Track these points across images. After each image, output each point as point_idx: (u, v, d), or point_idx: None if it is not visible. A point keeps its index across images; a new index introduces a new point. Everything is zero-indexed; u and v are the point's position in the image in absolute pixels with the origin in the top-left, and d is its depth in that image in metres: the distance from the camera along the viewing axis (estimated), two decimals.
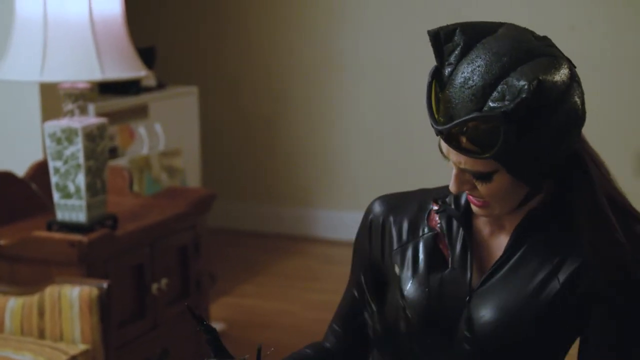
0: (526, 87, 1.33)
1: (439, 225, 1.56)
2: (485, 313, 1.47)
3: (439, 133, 1.39)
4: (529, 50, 1.39)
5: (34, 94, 3.34)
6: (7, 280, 2.74)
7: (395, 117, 4.97)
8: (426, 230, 1.57)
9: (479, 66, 1.37)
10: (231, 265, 4.70)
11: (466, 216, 1.54)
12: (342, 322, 1.67)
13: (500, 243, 1.53)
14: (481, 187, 1.43)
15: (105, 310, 2.57)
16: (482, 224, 1.54)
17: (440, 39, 1.42)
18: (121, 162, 3.72)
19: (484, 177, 1.41)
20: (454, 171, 1.44)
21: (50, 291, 2.59)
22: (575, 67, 1.44)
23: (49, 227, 2.78)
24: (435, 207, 1.57)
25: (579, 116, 1.42)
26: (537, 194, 1.47)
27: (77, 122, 2.73)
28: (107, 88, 3.95)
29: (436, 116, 1.40)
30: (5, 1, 3.24)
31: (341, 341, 1.67)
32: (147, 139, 3.94)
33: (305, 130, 5.20)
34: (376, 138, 5.03)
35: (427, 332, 1.52)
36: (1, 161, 3.27)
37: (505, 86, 1.35)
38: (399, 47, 4.86)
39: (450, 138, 1.38)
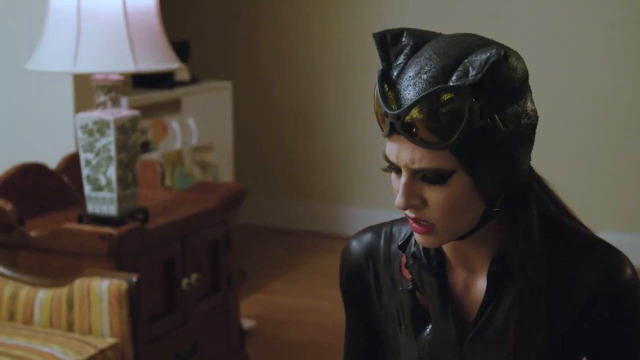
0: (494, 53, 1.24)
1: (411, 279, 1.44)
2: None
3: (395, 120, 1.26)
4: (485, 41, 1.32)
5: (68, 85, 3.33)
6: (38, 272, 2.72)
7: None
8: (403, 283, 1.45)
9: (434, 52, 1.28)
10: (263, 262, 4.67)
11: (439, 267, 1.41)
12: None
13: (476, 291, 1.40)
14: (434, 197, 1.29)
15: (134, 304, 2.54)
16: (455, 273, 1.42)
17: (387, 41, 1.34)
18: (154, 156, 3.70)
19: (440, 178, 1.28)
20: (402, 180, 1.30)
21: (79, 284, 2.57)
22: None
23: (80, 220, 2.77)
24: (405, 260, 1.44)
25: (535, 124, 1.32)
26: (491, 218, 1.33)
27: (109, 114, 2.71)
28: (140, 82, 3.94)
29: (391, 105, 1.28)
30: None
31: None
32: (180, 134, 3.92)
33: (340, 127, 5.16)
34: None
35: None
36: (34, 153, 3.26)
37: (468, 63, 1.26)
38: None
39: (406, 128, 1.26)
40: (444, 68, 1.27)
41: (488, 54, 1.25)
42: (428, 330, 1.43)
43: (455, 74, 1.26)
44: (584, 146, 4.67)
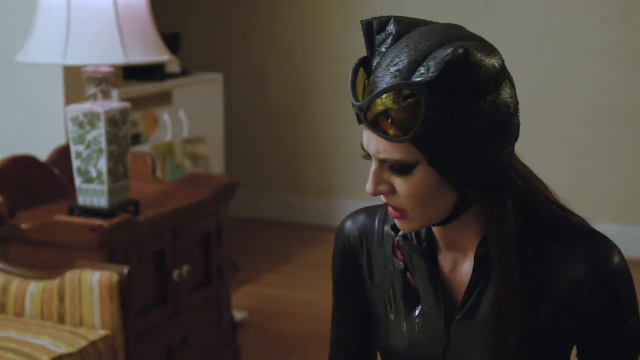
0: (451, 51, 1.23)
1: (403, 260, 1.45)
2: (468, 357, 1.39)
3: (359, 111, 1.28)
4: (461, 35, 1.30)
5: (58, 77, 3.32)
6: (29, 264, 2.72)
7: None
8: (395, 263, 1.46)
9: (406, 46, 1.29)
10: (255, 254, 4.67)
11: (429, 249, 1.42)
12: None
13: (465, 273, 1.41)
14: (401, 186, 1.31)
15: (125, 296, 2.54)
16: (445, 254, 1.43)
17: (373, 29, 1.34)
18: (144, 148, 3.69)
19: (404, 169, 1.30)
20: (372, 168, 1.33)
21: (70, 276, 2.57)
22: (510, 76, 1.33)
23: (71, 212, 2.76)
24: (398, 240, 1.45)
25: (511, 120, 1.30)
26: (467, 206, 1.34)
27: (100, 107, 2.71)
28: (131, 74, 3.93)
29: (359, 96, 1.31)
30: None
31: None
32: (171, 126, 3.92)
33: (331, 120, 5.16)
34: None
35: None
36: (24, 145, 3.25)
37: (432, 59, 1.26)
38: None
39: (373, 120, 1.28)
40: (410, 63, 1.27)
41: (449, 51, 1.24)
42: (418, 311, 1.44)
43: (420, 70, 1.26)
44: (574, 137, 4.68)
